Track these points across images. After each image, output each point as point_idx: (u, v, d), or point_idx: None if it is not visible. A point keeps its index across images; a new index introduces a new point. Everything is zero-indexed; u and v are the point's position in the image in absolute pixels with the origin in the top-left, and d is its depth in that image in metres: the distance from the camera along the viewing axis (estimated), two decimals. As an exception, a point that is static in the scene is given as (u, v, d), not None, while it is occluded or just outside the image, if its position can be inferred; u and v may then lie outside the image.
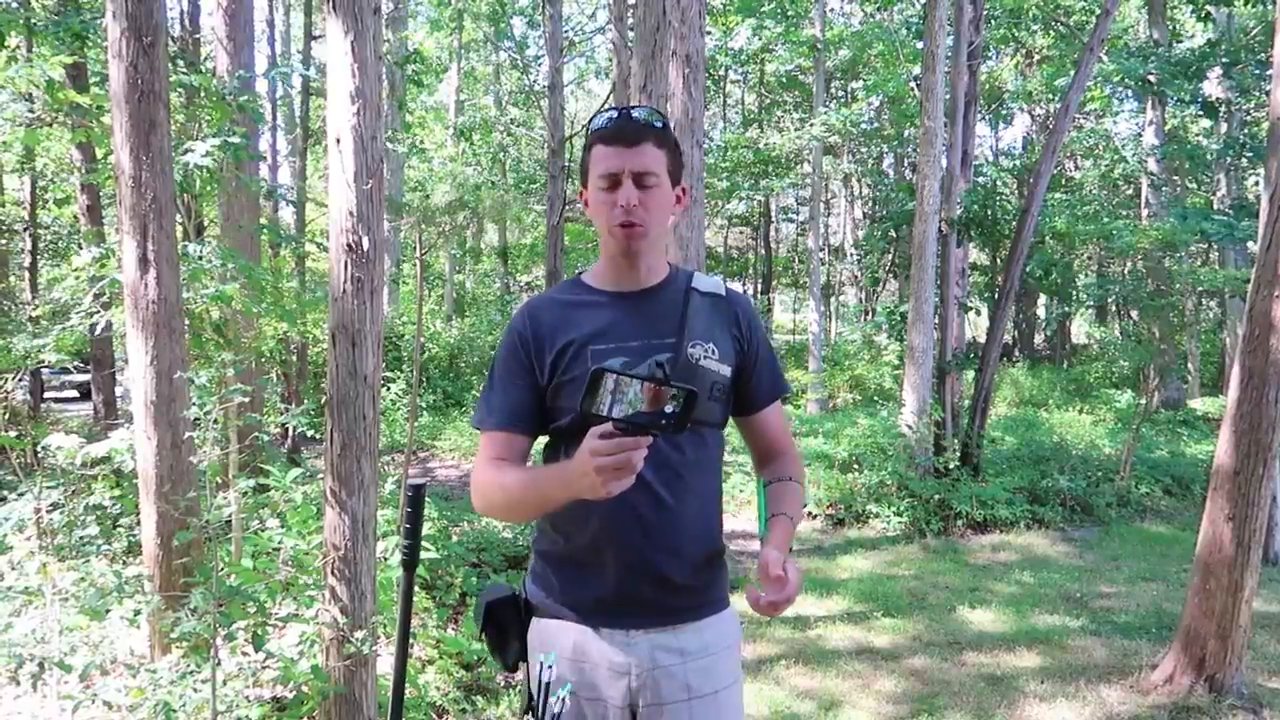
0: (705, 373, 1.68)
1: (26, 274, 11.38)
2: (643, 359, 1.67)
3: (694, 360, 1.68)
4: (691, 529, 1.71)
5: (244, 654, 3.51)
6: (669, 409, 1.36)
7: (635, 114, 1.69)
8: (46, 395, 13.68)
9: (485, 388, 1.80)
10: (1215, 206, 14.23)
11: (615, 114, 1.69)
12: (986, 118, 19.15)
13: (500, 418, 1.73)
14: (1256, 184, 16.03)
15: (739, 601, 1.72)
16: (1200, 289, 11.59)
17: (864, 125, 18.78)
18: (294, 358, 10.98)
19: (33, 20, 5.87)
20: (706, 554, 1.75)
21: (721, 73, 21.44)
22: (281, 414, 7.79)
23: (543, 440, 1.80)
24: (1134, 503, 8.74)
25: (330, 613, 3.14)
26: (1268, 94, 6.34)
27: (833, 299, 24.64)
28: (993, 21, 14.21)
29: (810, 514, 8.30)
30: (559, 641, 1.71)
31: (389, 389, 11.64)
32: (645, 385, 1.36)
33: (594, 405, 1.37)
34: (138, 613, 3.54)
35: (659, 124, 1.70)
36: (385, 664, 3.71)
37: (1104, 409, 14.22)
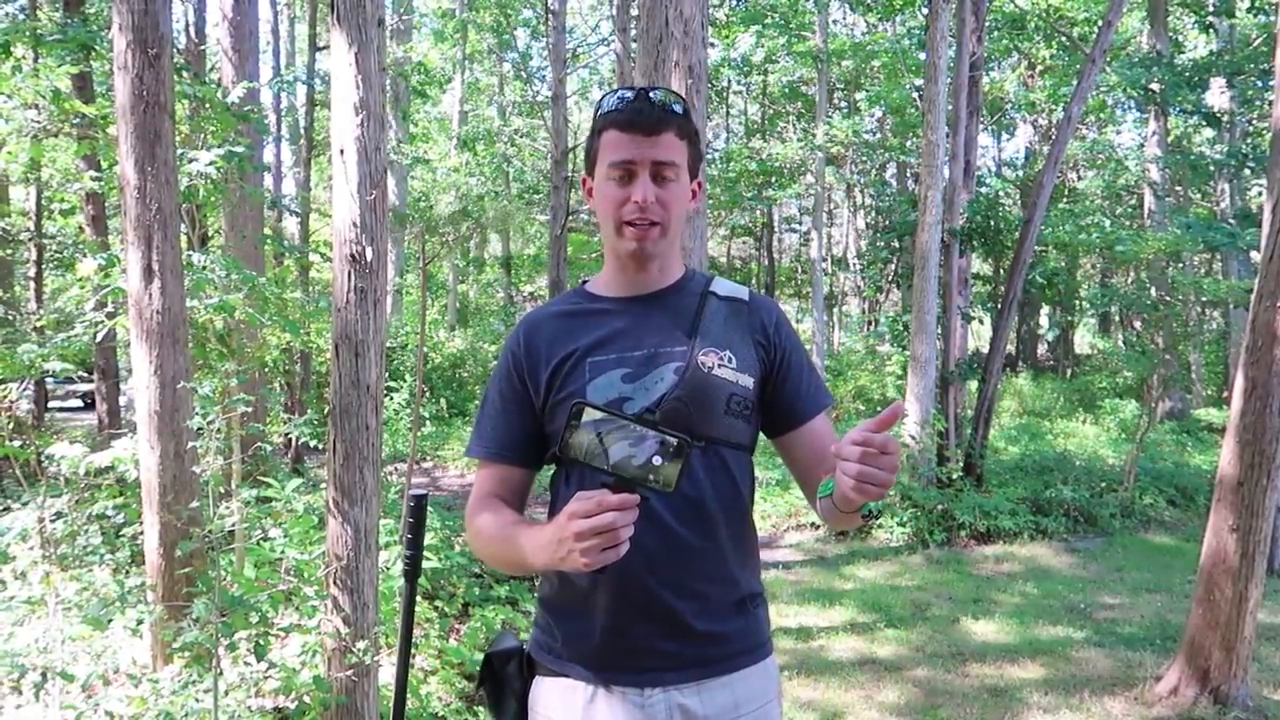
0: (719, 384, 1.47)
1: (32, 284, 11.42)
2: (648, 369, 1.47)
3: (705, 369, 1.47)
4: (712, 567, 1.48)
5: (246, 664, 3.51)
6: (656, 460, 1.21)
7: (654, 95, 1.46)
8: (51, 404, 13.69)
9: (478, 411, 1.61)
10: (1219, 217, 14.22)
11: (631, 95, 1.46)
12: (989, 128, 19.19)
13: (490, 448, 1.56)
14: (1259, 194, 16.02)
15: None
16: (1204, 299, 11.58)
17: (867, 136, 18.81)
18: (297, 368, 10.99)
19: (39, 30, 5.90)
20: (736, 597, 1.51)
21: (724, 84, 21.51)
22: (284, 424, 7.81)
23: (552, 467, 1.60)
24: (1138, 513, 8.71)
25: (332, 623, 3.14)
26: (1270, 104, 6.35)
27: (835, 309, 24.64)
28: (995, 32, 14.23)
29: (813, 524, 8.29)
30: (568, 704, 1.48)
31: (392, 399, 11.62)
32: (632, 429, 1.23)
33: (572, 449, 1.24)
34: (140, 622, 3.55)
35: (680, 109, 1.48)
36: (387, 674, 3.70)
37: (1108, 419, 14.20)
